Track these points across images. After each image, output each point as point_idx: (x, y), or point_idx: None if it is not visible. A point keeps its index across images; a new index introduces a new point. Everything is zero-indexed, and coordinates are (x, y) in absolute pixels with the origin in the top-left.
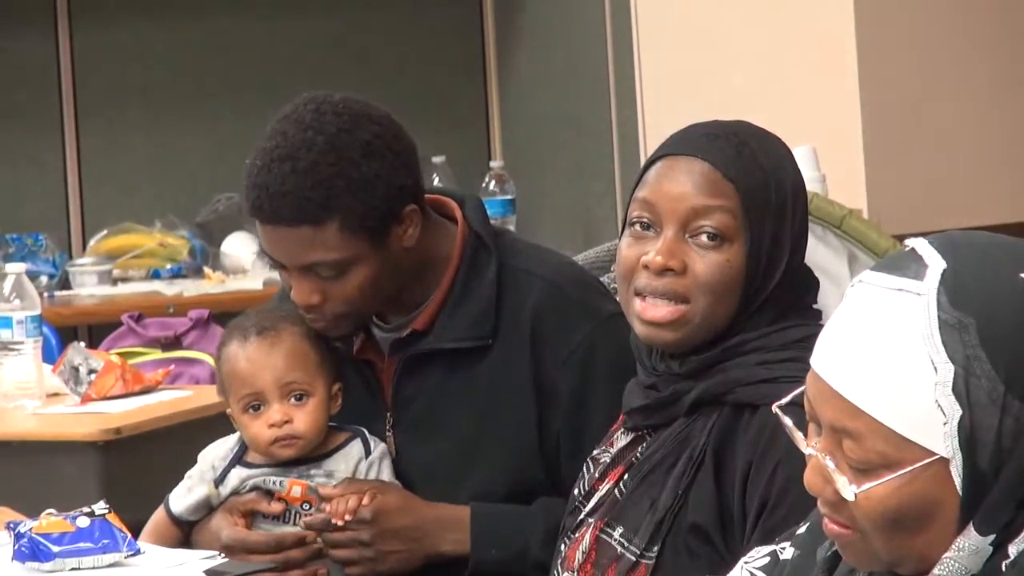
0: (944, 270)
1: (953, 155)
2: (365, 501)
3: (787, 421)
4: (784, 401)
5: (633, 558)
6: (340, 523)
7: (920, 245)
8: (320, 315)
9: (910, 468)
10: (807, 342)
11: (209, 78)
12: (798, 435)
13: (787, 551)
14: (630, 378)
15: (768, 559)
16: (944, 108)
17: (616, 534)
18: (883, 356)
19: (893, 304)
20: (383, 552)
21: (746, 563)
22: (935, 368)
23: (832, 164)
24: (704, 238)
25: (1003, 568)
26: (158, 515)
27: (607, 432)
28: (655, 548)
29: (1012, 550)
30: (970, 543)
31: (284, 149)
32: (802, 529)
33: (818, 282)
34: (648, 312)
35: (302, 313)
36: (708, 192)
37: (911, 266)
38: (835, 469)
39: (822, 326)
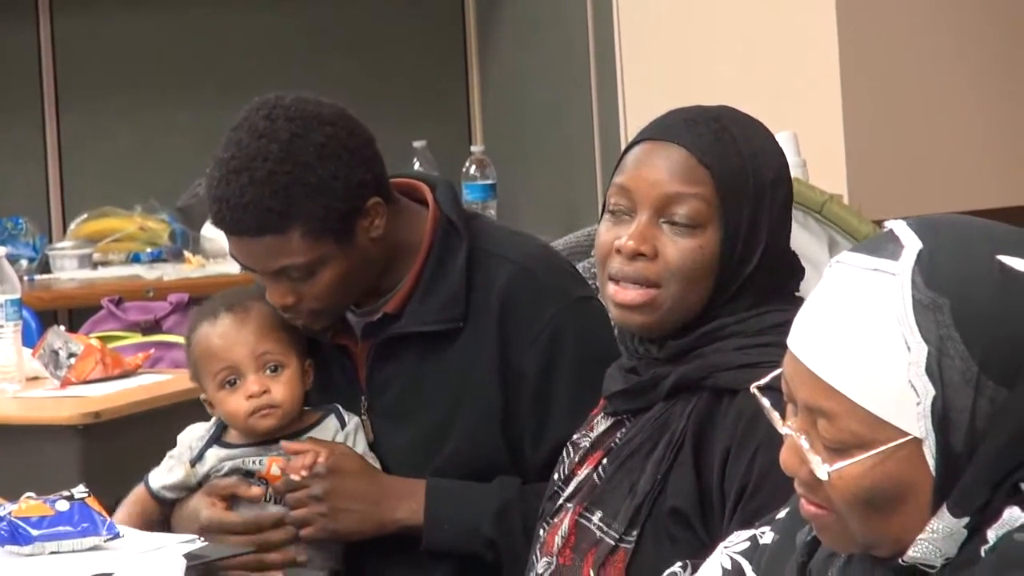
0: (920, 250)
1: (933, 141)
2: (321, 459)
3: (764, 402)
4: (762, 383)
5: (612, 542)
6: (297, 478)
7: (898, 227)
8: (297, 313)
9: (883, 448)
10: (785, 327)
11: (190, 63)
12: (775, 416)
13: (767, 535)
14: (597, 362)
15: (748, 543)
16: (924, 94)
17: (595, 519)
18: (857, 336)
19: (868, 284)
20: (336, 509)
21: (726, 547)
22: (909, 348)
23: (813, 150)
24: (677, 224)
25: (982, 553)
26: (137, 490)
27: (572, 416)
28: (634, 532)
29: (991, 535)
30: (944, 525)
31: (239, 160)
32: (782, 514)
33: (803, 269)
34: (619, 295)
35: (279, 312)
36: (682, 178)
37: (888, 247)
38: (810, 448)
39: None
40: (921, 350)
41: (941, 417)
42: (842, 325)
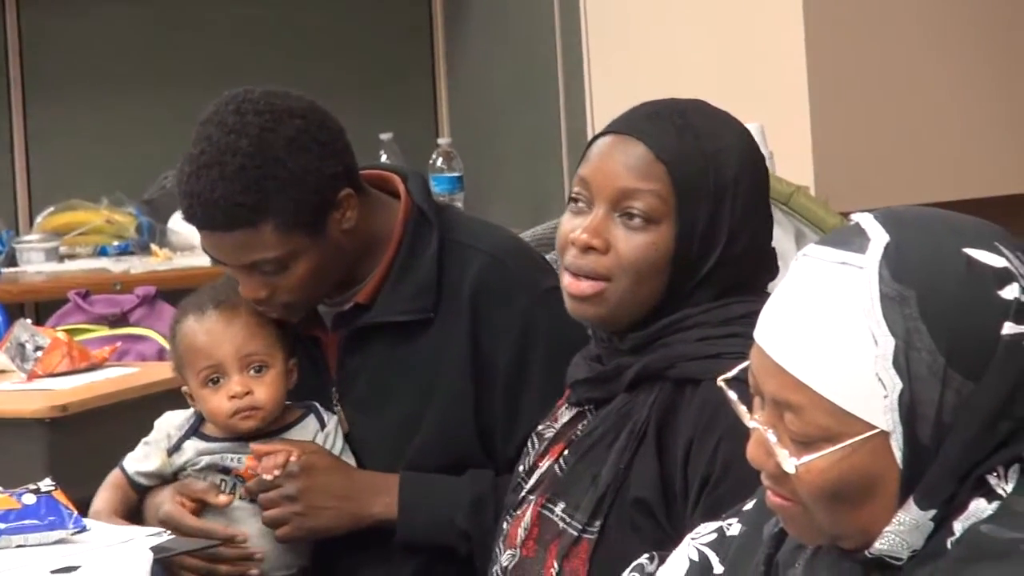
0: (887, 244)
1: (900, 133)
2: (293, 458)
3: (731, 395)
4: (729, 375)
5: (575, 533)
6: (270, 477)
7: (864, 219)
8: (271, 306)
9: (850, 441)
10: (750, 318)
11: (157, 57)
12: (741, 409)
13: (734, 527)
14: (568, 353)
15: (715, 535)
16: (891, 86)
17: (558, 510)
18: (825, 330)
19: (835, 278)
20: (311, 507)
21: (693, 539)
22: (876, 341)
23: (780, 142)
24: (631, 219)
25: (948, 545)
26: (115, 475)
27: (543, 407)
28: (597, 523)
29: (957, 527)
30: (910, 518)
31: (210, 155)
32: (749, 505)
33: (777, 267)
34: (571, 287)
35: (249, 299)
36: (638, 174)
37: (854, 240)
38: (777, 442)
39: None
40: (888, 343)
41: (908, 410)
42: (809, 319)
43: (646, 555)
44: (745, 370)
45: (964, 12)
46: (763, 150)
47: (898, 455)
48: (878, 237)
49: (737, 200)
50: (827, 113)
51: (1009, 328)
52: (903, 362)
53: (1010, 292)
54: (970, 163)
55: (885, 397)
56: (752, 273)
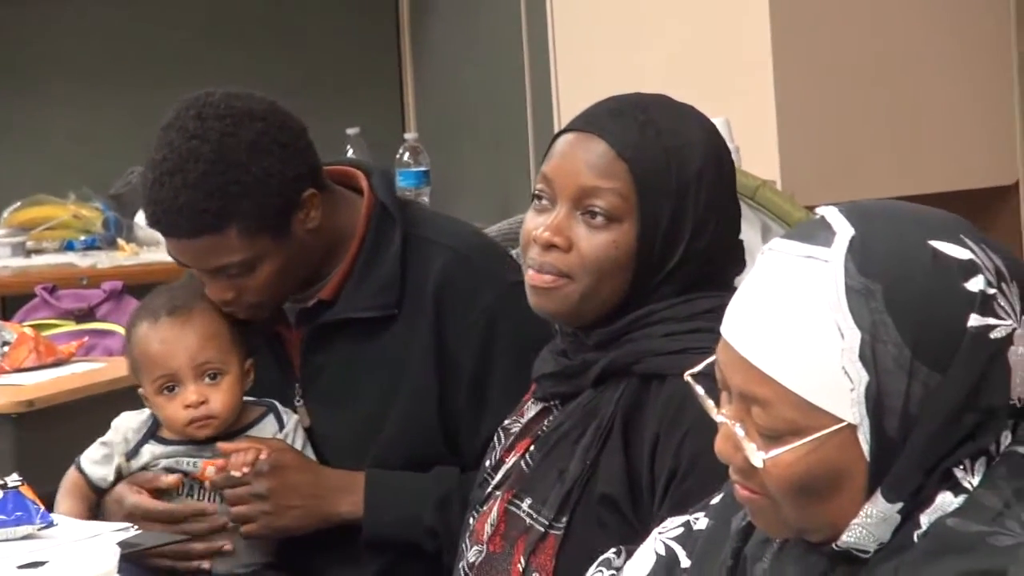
0: (852, 237)
1: (865, 127)
2: (263, 456)
3: (699, 390)
4: (696, 370)
5: (542, 529)
6: (239, 474)
7: (829, 213)
8: (237, 307)
9: (817, 435)
10: (716, 313)
11: (123, 52)
12: (709, 403)
13: (701, 521)
14: (533, 348)
15: (682, 529)
16: (857, 80)
17: (525, 505)
18: (791, 323)
19: (801, 271)
20: (280, 506)
21: (660, 533)
22: (842, 334)
23: (746, 136)
24: (594, 217)
25: (915, 538)
26: (72, 478)
27: (508, 403)
28: (564, 519)
29: (923, 520)
30: (877, 511)
31: (172, 162)
32: (716, 499)
33: (744, 261)
34: (534, 279)
35: (216, 301)
36: (600, 173)
37: (820, 234)
38: (744, 436)
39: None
40: (854, 336)
41: (875, 403)
42: (775, 313)
43: (613, 549)
44: (712, 365)
45: (929, 7)
46: (729, 144)
47: (865, 448)
48: (843, 231)
49: (701, 196)
50: (793, 107)
51: (975, 320)
52: (869, 355)
53: (975, 284)
54: (935, 157)
55: (852, 390)
56: (718, 268)
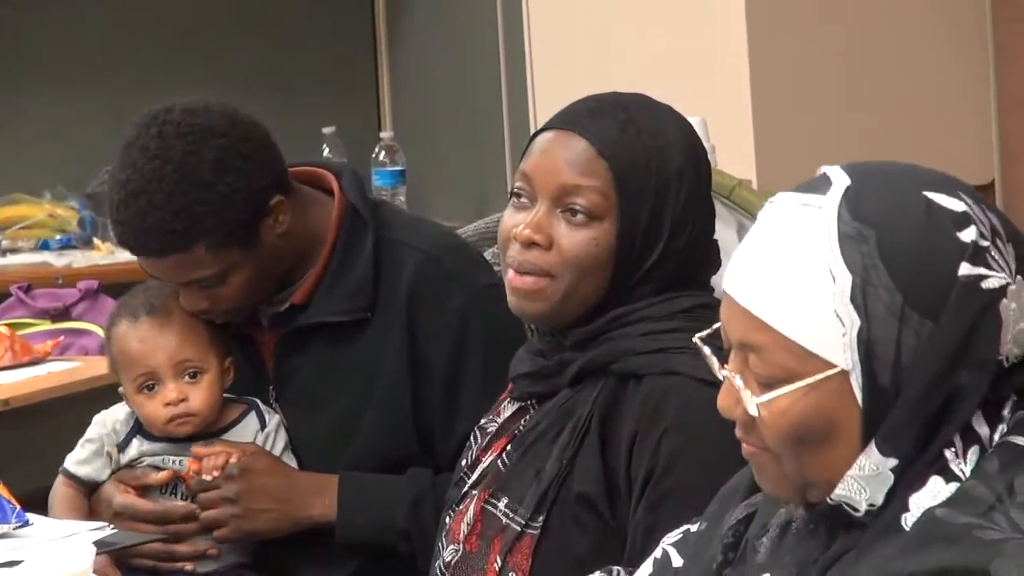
0: (848, 186)
1: (841, 126)
2: (233, 459)
3: (705, 350)
4: (704, 333)
5: (518, 528)
6: (210, 478)
7: (830, 168)
8: (212, 314)
9: (810, 379)
10: (694, 312)
11: (100, 49)
12: (713, 361)
13: (699, 526)
14: (506, 350)
15: (681, 535)
16: (833, 79)
17: (501, 505)
18: (785, 268)
19: (797, 219)
20: (250, 510)
21: (664, 541)
22: (834, 278)
23: (722, 135)
24: (574, 215)
25: (902, 522)
26: (60, 488)
27: (482, 405)
28: (540, 518)
29: (912, 503)
30: (871, 463)
31: (136, 183)
32: (714, 505)
33: (720, 261)
34: (515, 281)
35: (192, 310)
36: (580, 170)
37: (819, 186)
38: (743, 387)
39: (711, 296)
40: (846, 280)
41: (866, 348)
42: (771, 260)
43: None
44: (719, 330)
45: (906, 7)
46: (705, 144)
47: (859, 395)
48: (840, 181)
49: (680, 194)
50: (769, 107)
51: (966, 268)
52: (861, 299)
53: (968, 235)
54: (912, 156)
55: (844, 335)
56: (695, 267)
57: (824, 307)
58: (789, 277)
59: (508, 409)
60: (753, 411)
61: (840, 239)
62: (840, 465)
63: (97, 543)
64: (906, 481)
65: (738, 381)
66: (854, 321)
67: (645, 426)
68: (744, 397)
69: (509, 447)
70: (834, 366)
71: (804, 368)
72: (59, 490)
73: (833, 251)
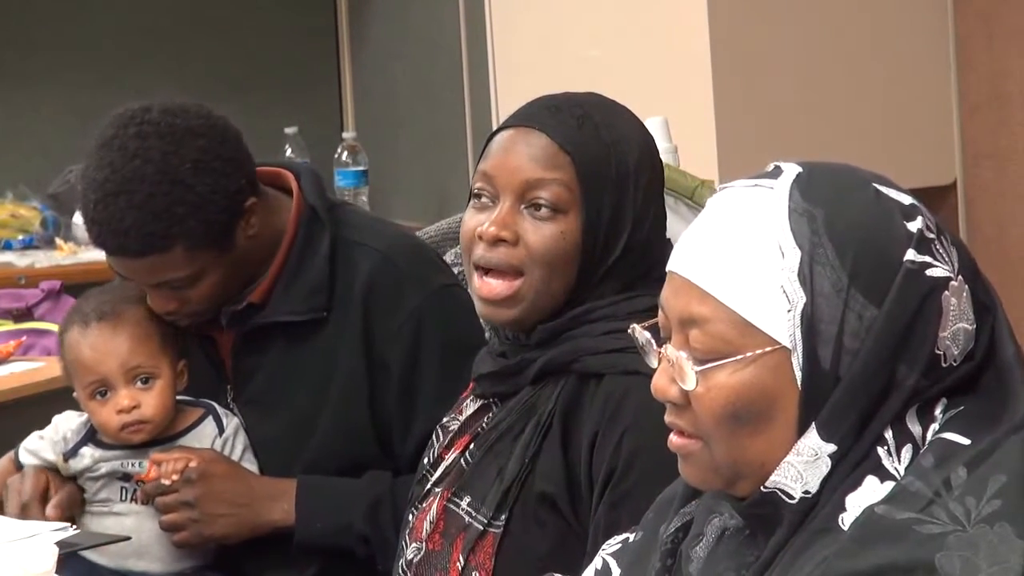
0: (799, 173)
1: (803, 127)
2: (192, 464)
3: (644, 335)
4: (644, 324)
5: (481, 527)
6: (167, 482)
7: (782, 162)
8: (179, 316)
9: (751, 353)
10: (655, 311)
11: (60, 48)
12: (649, 347)
13: (636, 535)
14: (462, 351)
15: (620, 545)
16: (794, 79)
17: (463, 503)
18: (733, 243)
19: (747, 198)
20: (209, 515)
21: (603, 550)
22: (783, 253)
23: (684, 136)
24: (539, 209)
25: (839, 522)
26: (6, 462)
27: (440, 405)
28: (503, 517)
29: (848, 502)
30: (809, 446)
31: (115, 183)
32: (650, 515)
33: None
34: (484, 290)
35: (159, 312)
36: (543, 165)
37: (771, 173)
38: (684, 357)
39: None
40: (794, 255)
41: (809, 326)
42: (719, 235)
43: None
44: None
45: (867, 8)
46: (667, 144)
47: (798, 375)
48: (791, 169)
49: (639, 188)
50: (732, 107)
51: (912, 255)
52: (807, 274)
53: (915, 225)
54: (873, 157)
55: (788, 311)
56: (653, 263)
57: (771, 282)
58: (737, 251)
59: (470, 407)
60: (691, 383)
61: (790, 215)
62: (773, 450)
63: (59, 543)
64: (840, 472)
65: (678, 352)
66: (799, 297)
67: (606, 426)
68: (684, 370)
69: (472, 445)
70: (776, 343)
71: (745, 342)
72: (2, 470)
73: (783, 227)
